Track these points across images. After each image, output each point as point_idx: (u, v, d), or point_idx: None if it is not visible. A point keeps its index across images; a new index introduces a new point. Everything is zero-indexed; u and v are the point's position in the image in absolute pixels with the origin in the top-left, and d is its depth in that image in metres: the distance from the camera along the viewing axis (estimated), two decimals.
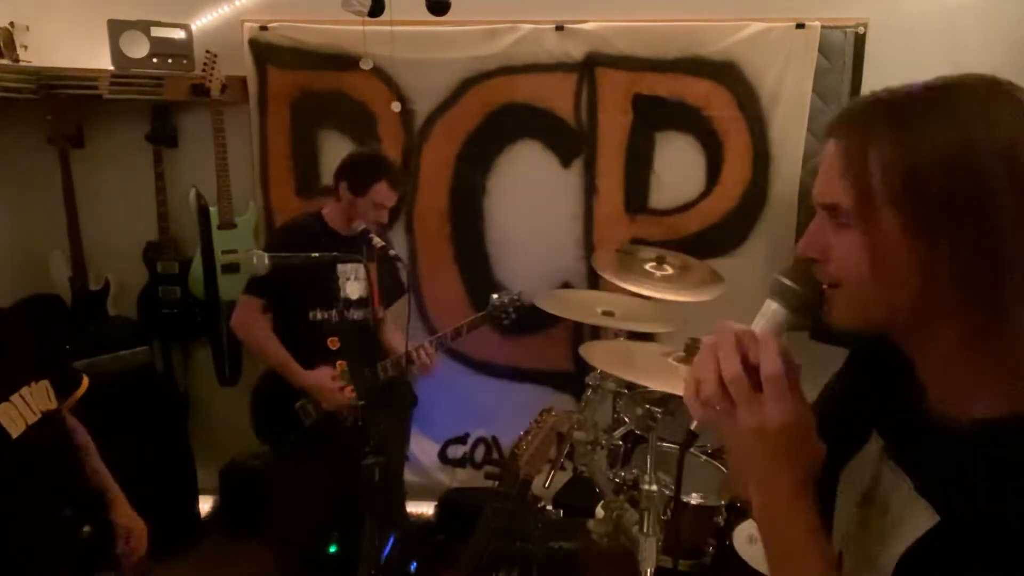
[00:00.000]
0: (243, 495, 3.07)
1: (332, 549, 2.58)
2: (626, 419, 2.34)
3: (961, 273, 0.65)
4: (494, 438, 3.24)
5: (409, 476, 3.01)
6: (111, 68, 2.80)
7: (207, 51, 2.82)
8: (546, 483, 2.07)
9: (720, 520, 2.16)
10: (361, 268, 2.40)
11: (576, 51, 2.85)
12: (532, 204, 3.01)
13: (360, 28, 2.70)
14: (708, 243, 2.94)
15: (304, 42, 2.90)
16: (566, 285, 3.05)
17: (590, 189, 2.99)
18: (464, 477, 3.24)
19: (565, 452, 2.14)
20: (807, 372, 0.78)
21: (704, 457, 2.34)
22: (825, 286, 0.74)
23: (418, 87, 2.94)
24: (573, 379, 3.06)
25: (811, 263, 0.75)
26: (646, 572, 1.90)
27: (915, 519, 0.70)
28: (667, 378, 1.92)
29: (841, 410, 0.84)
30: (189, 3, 2.93)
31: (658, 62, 2.83)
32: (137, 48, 2.79)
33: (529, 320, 2.83)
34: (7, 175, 3.05)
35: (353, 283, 2.47)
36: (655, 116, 2.89)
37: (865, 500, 0.80)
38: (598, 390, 2.33)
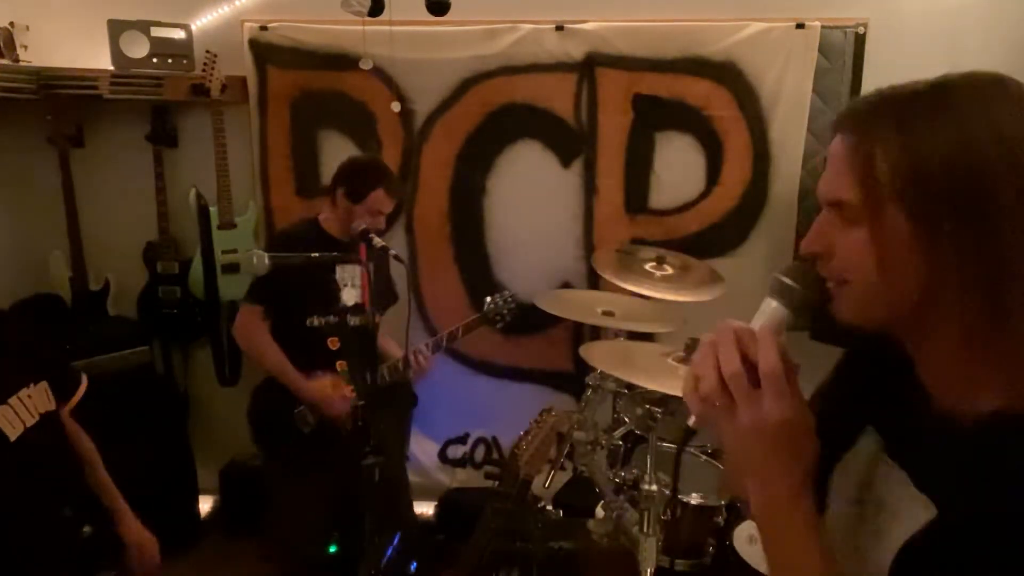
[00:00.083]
0: (243, 495, 3.06)
1: (332, 549, 2.58)
2: (626, 419, 2.34)
3: (964, 271, 0.65)
4: (494, 438, 3.24)
5: (409, 476, 3.00)
6: (111, 68, 2.80)
7: (207, 51, 2.82)
8: (546, 483, 2.07)
9: (720, 520, 2.16)
10: (358, 275, 2.41)
11: (576, 51, 2.85)
12: (532, 204, 3.01)
13: (360, 28, 2.70)
14: (708, 243, 2.93)
15: (304, 42, 2.90)
16: (566, 285, 3.05)
17: (590, 189, 2.99)
18: (464, 477, 3.24)
19: (565, 452, 2.14)
20: (807, 372, 0.78)
21: (704, 457, 2.34)
22: (830, 285, 0.75)
23: (418, 87, 2.93)
24: (573, 379, 3.05)
25: (813, 262, 0.75)
26: (646, 572, 1.90)
27: (913, 513, 0.70)
28: (667, 378, 1.92)
29: (834, 408, 0.84)
30: (189, 3, 2.93)
31: (658, 62, 2.83)
32: (137, 48, 2.79)
33: (529, 320, 2.83)
34: (7, 175, 3.05)
35: (350, 290, 2.47)
36: (655, 116, 2.89)
37: (859, 496, 0.80)
38: (598, 390, 2.33)
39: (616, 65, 2.85)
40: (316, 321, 2.43)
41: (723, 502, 2.15)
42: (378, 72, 2.90)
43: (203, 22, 2.94)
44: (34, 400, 1.56)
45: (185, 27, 2.86)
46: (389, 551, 2.33)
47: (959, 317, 0.67)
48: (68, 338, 2.79)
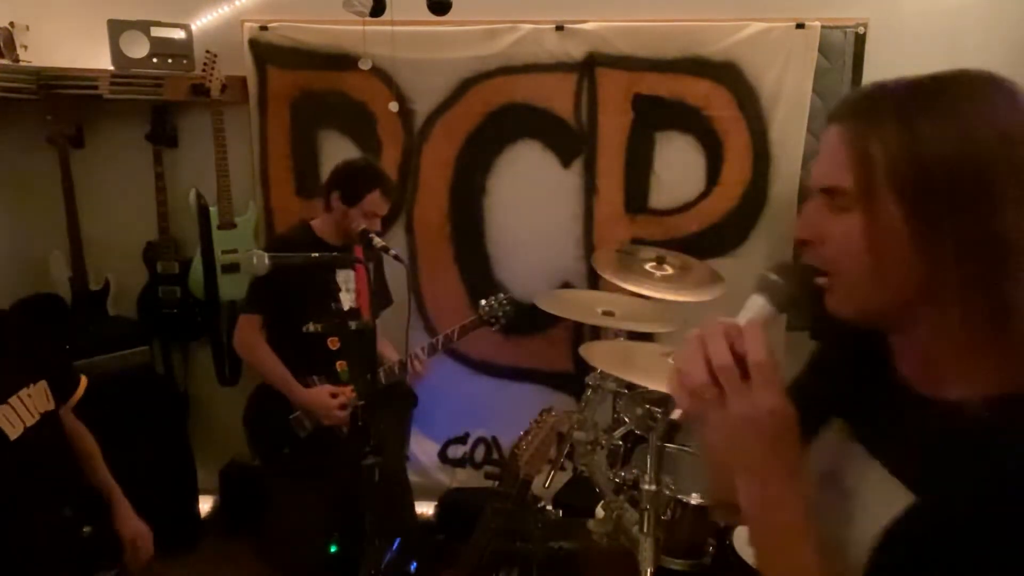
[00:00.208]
0: (243, 495, 3.06)
1: (332, 550, 2.58)
2: (626, 419, 2.34)
3: (965, 268, 0.65)
4: (494, 438, 3.24)
5: (409, 476, 3.00)
6: (111, 68, 2.80)
7: (207, 51, 2.82)
8: (546, 483, 2.07)
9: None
10: (353, 280, 2.42)
11: (576, 51, 2.85)
12: (532, 204, 3.01)
13: (360, 28, 2.70)
14: (708, 243, 2.93)
15: (304, 42, 2.90)
16: (566, 285, 3.05)
17: (590, 189, 2.99)
18: (464, 477, 3.24)
19: (565, 452, 2.14)
20: (793, 368, 0.78)
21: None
22: (821, 279, 0.75)
23: (418, 87, 2.93)
24: (573, 379, 3.05)
25: (800, 260, 0.76)
26: (646, 572, 1.90)
27: (888, 500, 0.70)
28: (667, 378, 1.92)
29: (802, 400, 0.85)
30: (189, 3, 2.93)
31: (658, 62, 2.83)
32: (137, 48, 2.79)
33: (529, 320, 2.83)
34: (7, 175, 3.05)
35: (346, 295, 2.48)
36: (655, 116, 2.89)
37: (824, 484, 0.80)
38: (598, 390, 2.33)
39: (616, 65, 2.85)
40: (312, 327, 2.43)
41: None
42: (378, 72, 2.90)
43: (203, 22, 2.94)
44: (34, 400, 1.56)
45: (185, 27, 2.86)
46: (389, 553, 2.33)
47: (959, 314, 0.67)
48: (68, 338, 2.79)
